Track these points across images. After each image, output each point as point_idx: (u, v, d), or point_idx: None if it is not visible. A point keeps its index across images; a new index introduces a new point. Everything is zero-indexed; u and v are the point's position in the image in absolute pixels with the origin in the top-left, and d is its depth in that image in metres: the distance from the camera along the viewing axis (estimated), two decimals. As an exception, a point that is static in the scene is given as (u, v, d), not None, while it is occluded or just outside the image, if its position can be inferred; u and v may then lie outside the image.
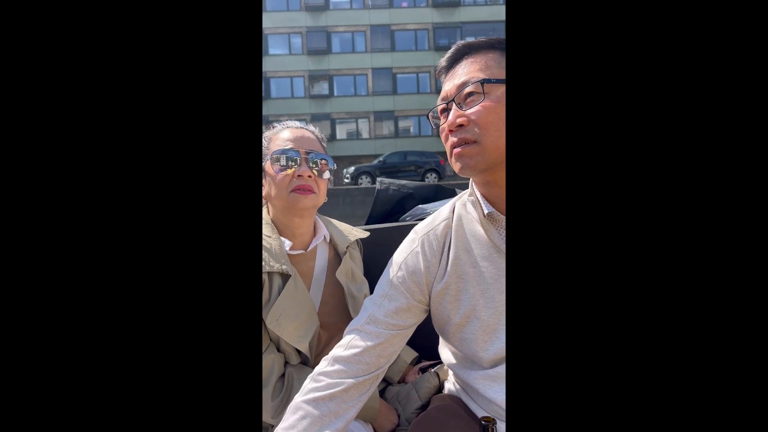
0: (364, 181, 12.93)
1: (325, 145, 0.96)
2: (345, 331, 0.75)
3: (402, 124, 20.61)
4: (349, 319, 0.91)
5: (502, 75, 0.61)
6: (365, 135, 20.61)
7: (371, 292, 0.86)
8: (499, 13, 20.21)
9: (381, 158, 13.76)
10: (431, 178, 13.15)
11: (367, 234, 1.06)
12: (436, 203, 1.32)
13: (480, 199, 0.67)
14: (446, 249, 0.71)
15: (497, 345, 0.65)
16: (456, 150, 0.63)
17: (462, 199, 0.75)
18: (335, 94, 20.34)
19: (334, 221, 1.06)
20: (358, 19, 20.33)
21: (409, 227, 0.95)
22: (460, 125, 0.61)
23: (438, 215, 0.76)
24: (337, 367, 0.69)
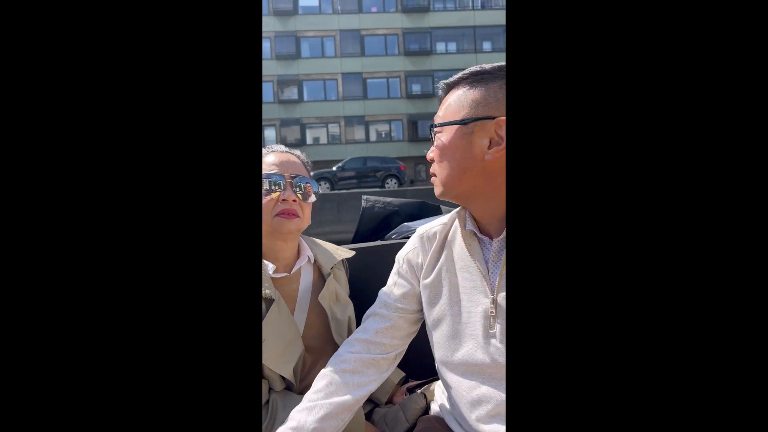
0: (323, 187, 12.70)
1: (310, 169, 0.98)
2: (364, 316, 0.82)
3: (374, 128, 20.63)
4: (334, 341, 0.93)
5: (459, 113, 0.64)
6: (336, 140, 20.52)
7: (356, 313, 0.91)
8: (467, 18, 20.59)
9: (340, 164, 13.64)
10: (391, 184, 13.17)
11: (352, 253, 1.06)
12: (422, 221, 1.33)
13: (466, 214, 0.70)
14: (438, 250, 0.75)
15: (462, 351, 0.69)
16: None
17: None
18: (305, 99, 20.18)
19: (320, 241, 1.06)
20: (327, 24, 20.26)
21: (396, 245, 0.96)
22: (432, 158, 0.69)
23: (441, 219, 0.79)
24: (357, 347, 0.77)
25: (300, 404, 0.72)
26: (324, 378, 0.73)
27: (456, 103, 0.65)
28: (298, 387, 0.90)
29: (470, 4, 21.01)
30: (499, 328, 0.64)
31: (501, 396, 0.64)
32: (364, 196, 1.49)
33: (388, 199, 1.47)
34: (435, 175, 0.68)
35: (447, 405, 0.77)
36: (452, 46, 21.08)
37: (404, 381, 1.08)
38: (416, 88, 20.62)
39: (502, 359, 0.63)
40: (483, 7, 21.07)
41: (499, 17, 20.85)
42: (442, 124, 0.66)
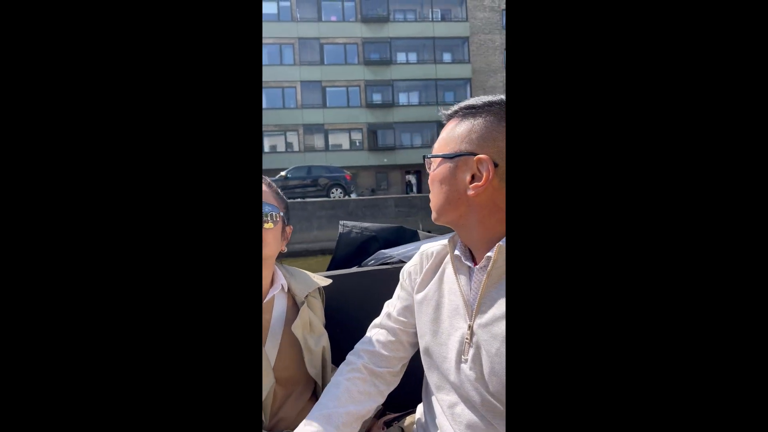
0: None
1: (279, 193, 0.94)
2: (370, 326, 0.85)
3: (333, 137, 20.36)
4: (307, 373, 0.91)
5: (447, 147, 0.66)
6: (295, 148, 20.08)
7: (332, 343, 0.96)
8: (427, 29, 20.80)
9: (284, 173, 13.28)
10: (337, 194, 12.97)
11: (328, 281, 1.02)
12: (399, 248, 1.32)
13: (457, 240, 0.72)
14: (433, 269, 0.76)
15: (438, 370, 0.71)
16: None
17: None
18: (264, 106, 19.67)
19: (297, 269, 1.02)
20: (286, 32, 19.96)
21: (374, 272, 1.02)
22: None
23: (445, 238, 0.79)
24: (365, 357, 0.80)
25: (314, 410, 0.72)
26: (338, 386, 0.74)
27: (446, 136, 0.67)
28: (269, 423, 0.86)
29: (430, 15, 21.27)
30: (471, 355, 0.64)
31: (472, 417, 0.66)
32: (341, 222, 1.49)
33: (366, 225, 1.48)
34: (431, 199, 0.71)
35: (426, 419, 0.77)
36: (413, 56, 21.24)
37: (381, 414, 1.03)
38: (377, 97, 20.61)
39: (472, 387, 0.64)
40: (443, 19, 21.38)
41: (458, 29, 21.22)
42: (432, 156, 0.68)
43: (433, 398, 0.75)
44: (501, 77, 21.63)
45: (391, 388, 0.80)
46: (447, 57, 21.59)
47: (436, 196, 0.68)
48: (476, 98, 0.65)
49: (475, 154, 0.62)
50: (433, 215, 0.70)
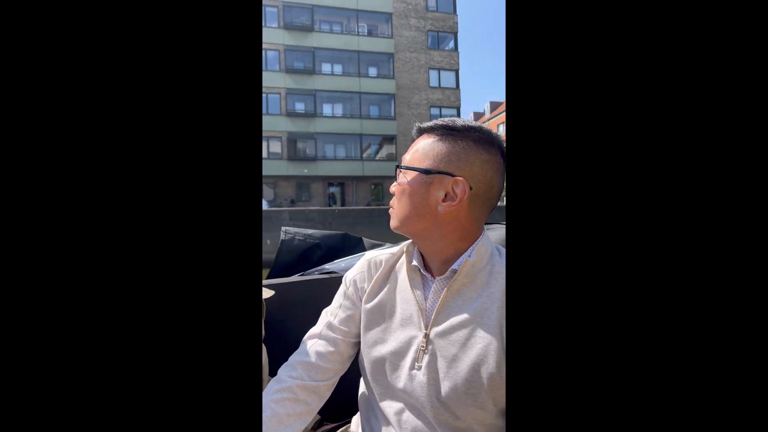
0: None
1: None
2: (304, 339, 0.81)
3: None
4: None
5: (424, 162, 0.68)
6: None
7: (270, 357, 0.94)
8: (352, 43, 20.77)
9: None
10: None
11: (271, 293, 0.99)
12: (342, 260, 1.28)
13: (414, 249, 0.73)
14: (383, 278, 0.76)
15: (388, 378, 0.71)
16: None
17: None
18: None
19: None
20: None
21: (317, 281, 1.08)
22: (394, 192, 0.73)
23: (395, 247, 0.81)
24: (299, 371, 0.75)
25: None
26: (265, 409, 0.70)
27: (423, 150, 0.68)
28: None
29: (356, 29, 21.32)
30: (426, 362, 0.66)
31: (418, 423, 0.68)
32: (283, 228, 1.47)
33: (309, 232, 1.45)
34: (392, 208, 0.72)
35: (366, 429, 0.78)
36: (338, 68, 21.06)
37: (318, 425, 1.01)
38: (299, 107, 20.09)
39: (423, 393, 0.66)
40: (369, 34, 21.51)
41: (383, 45, 21.42)
42: (407, 168, 0.69)
43: (378, 406, 0.74)
44: (425, 95, 22.03)
45: (323, 403, 0.76)
46: (372, 71, 21.66)
47: (403, 206, 0.69)
48: (454, 119, 0.68)
49: (453, 175, 0.65)
50: (395, 224, 0.70)
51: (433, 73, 22.41)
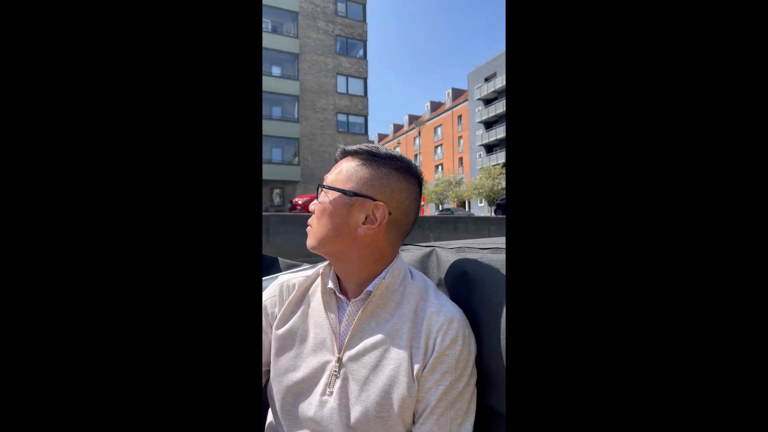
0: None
1: None
2: None
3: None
4: None
5: (347, 184, 0.69)
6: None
7: None
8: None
9: None
10: None
11: None
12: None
13: (330, 271, 0.73)
14: (295, 302, 0.75)
15: (299, 406, 0.69)
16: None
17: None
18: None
19: None
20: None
21: None
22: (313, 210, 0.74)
23: (310, 269, 0.82)
24: None
25: None
26: None
27: (347, 172, 0.70)
28: None
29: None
30: (337, 387, 0.65)
31: None
32: None
33: None
34: (311, 227, 0.72)
35: None
36: (238, 64, 19.60)
37: None
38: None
39: (333, 420, 0.65)
40: (274, 31, 20.41)
41: (288, 44, 20.44)
42: (329, 188, 0.70)
43: None
44: (332, 100, 21.38)
45: None
46: (276, 70, 20.54)
47: (323, 225, 0.69)
48: (378, 147, 0.71)
49: (375, 200, 0.67)
50: (312, 243, 0.70)
51: (341, 79, 21.88)
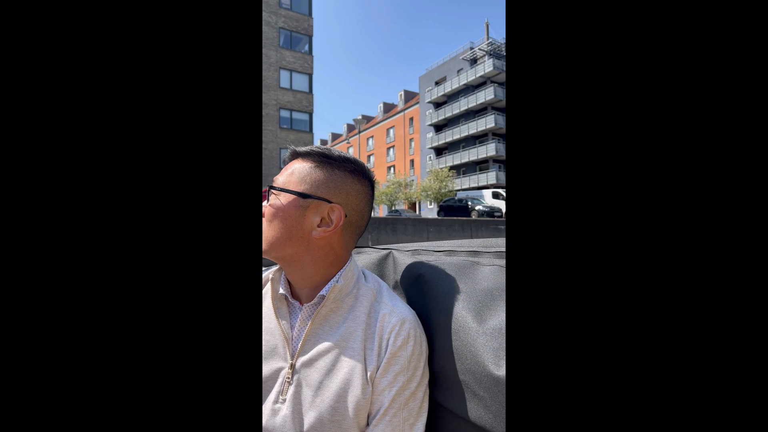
0: None
1: None
2: None
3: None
4: None
5: (301, 186, 0.68)
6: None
7: None
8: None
9: None
10: None
11: None
12: None
13: (281, 276, 0.72)
14: None
15: None
16: None
17: None
18: None
19: None
20: None
21: None
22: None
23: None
24: None
25: None
26: None
27: (300, 174, 0.69)
28: None
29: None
30: (290, 394, 0.64)
31: None
32: None
33: None
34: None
35: None
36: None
37: None
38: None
39: (286, 427, 0.64)
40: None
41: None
42: (282, 189, 0.68)
43: None
44: (274, 95, 20.48)
45: None
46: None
47: (275, 229, 0.67)
48: (329, 149, 0.70)
49: (330, 202, 0.67)
50: (263, 247, 0.68)
51: (285, 74, 21.02)
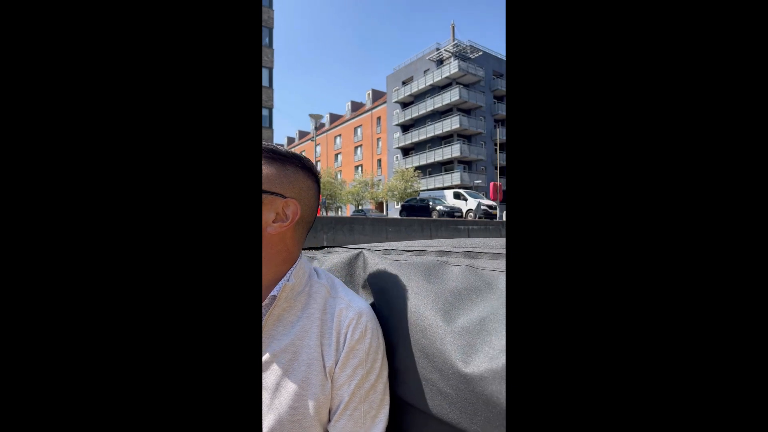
0: None
1: None
2: None
3: None
4: None
5: (271, 187, 0.69)
6: None
7: None
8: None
9: None
10: None
11: None
12: None
13: None
14: None
15: None
16: None
17: None
18: None
19: None
20: None
21: None
22: None
23: None
24: None
25: None
26: None
27: (266, 178, 0.70)
28: None
29: None
30: None
31: None
32: None
33: None
34: None
35: None
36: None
37: None
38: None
39: None
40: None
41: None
42: None
43: None
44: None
45: None
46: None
47: None
48: (276, 145, 0.70)
49: (285, 197, 0.66)
50: None
51: (243, 67, 20.19)
